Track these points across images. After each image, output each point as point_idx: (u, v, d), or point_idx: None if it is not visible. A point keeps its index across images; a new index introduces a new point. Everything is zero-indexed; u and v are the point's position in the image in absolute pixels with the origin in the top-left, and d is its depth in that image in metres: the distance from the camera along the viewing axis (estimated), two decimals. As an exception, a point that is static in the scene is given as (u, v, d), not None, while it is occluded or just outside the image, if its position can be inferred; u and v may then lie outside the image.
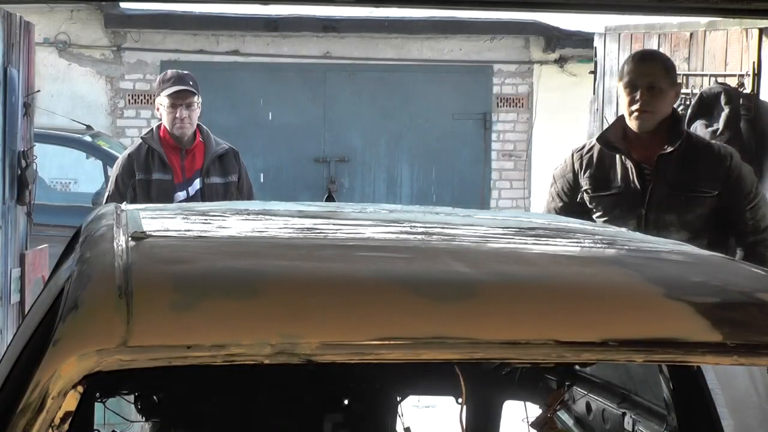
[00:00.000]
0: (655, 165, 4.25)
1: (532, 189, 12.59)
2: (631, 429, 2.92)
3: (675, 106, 4.51)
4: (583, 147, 4.51)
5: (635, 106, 4.26)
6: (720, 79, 6.53)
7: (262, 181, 11.05)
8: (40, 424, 1.55)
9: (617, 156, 4.31)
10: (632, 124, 4.29)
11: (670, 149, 4.24)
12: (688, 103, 6.51)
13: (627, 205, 4.27)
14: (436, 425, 5.01)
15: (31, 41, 7.21)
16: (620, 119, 4.42)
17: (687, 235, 4.09)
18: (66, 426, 1.54)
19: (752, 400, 2.81)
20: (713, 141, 4.52)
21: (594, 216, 4.34)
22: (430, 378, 3.08)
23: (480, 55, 12.52)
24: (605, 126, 7.00)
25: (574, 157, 4.44)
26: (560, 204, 4.42)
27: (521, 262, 2.16)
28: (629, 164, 4.27)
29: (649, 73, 4.27)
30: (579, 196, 4.39)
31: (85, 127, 10.49)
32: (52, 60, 11.75)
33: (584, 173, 4.37)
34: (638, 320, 1.78)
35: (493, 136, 12.62)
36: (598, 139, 4.43)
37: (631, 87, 4.27)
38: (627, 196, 4.28)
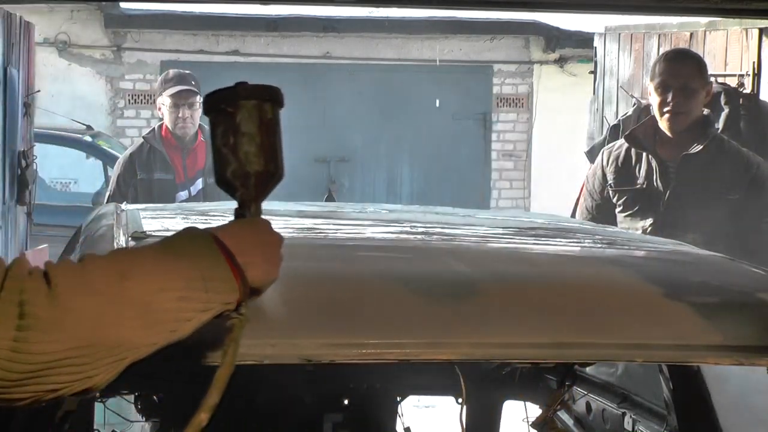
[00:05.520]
0: (679, 165, 4.22)
1: (532, 189, 12.59)
2: (631, 429, 2.92)
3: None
4: (614, 144, 4.52)
5: (668, 108, 4.20)
6: (720, 79, 6.53)
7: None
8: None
9: (644, 153, 4.29)
10: (664, 125, 4.25)
11: (696, 150, 4.20)
12: (688, 102, 6.50)
13: (647, 203, 4.25)
14: (436, 425, 5.01)
15: (31, 41, 7.21)
16: (652, 119, 4.39)
17: (703, 238, 4.05)
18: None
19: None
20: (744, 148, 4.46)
21: (617, 211, 4.33)
22: (430, 378, 3.08)
23: (480, 55, 12.52)
24: (605, 126, 7.02)
25: (604, 154, 4.45)
26: (591, 202, 4.43)
27: (521, 262, 2.16)
28: (654, 163, 4.25)
29: (683, 73, 4.21)
30: (606, 192, 4.38)
31: (85, 127, 10.49)
32: (52, 60, 11.75)
33: (610, 167, 4.37)
34: (638, 320, 1.78)
35: (493, 136, 12.62)
36: (626, 137, 4.41)
37: (663, 87, 4.20)
38: (648, 193, 4.27)
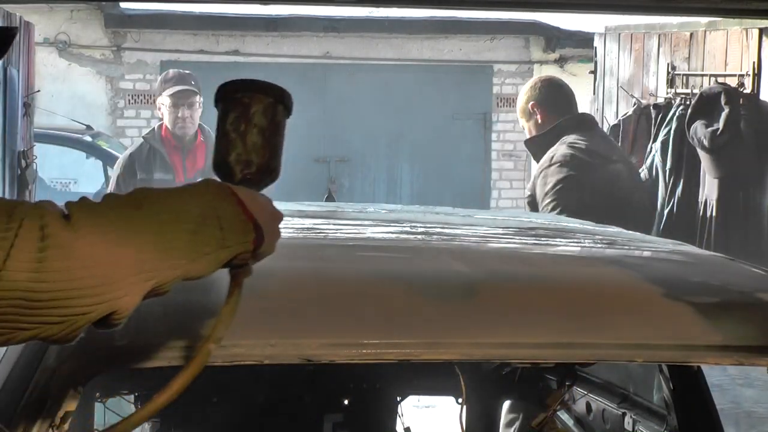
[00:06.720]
0: None
1: (532, 189, 12.59)
2: (631, 429, 2.92)
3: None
4: None
5: None
6: (720, 79, 6.53)
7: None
8: (40, 424, 1.55)
9: None
10: None
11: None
12: (688, 103, 6.51)
13: None
14: (436, 425, 5.01)
15: (31, 41, 7.21)
16: None
17: None
18: (66, 426, 1.54)
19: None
20: (571, 150, 4.74)
21: None
22: (430, 378, 3.08)
23: (480, 55, 12.52)
24: (605, 126, 7.03)
25: None
26: None
27: (521, 262, 2.16)
28: None
29: None
30: None
31: (85, 127, 10.49)
32: (52, 60, 11.75)
33: None
34: (638, 320, 1.78)
35: (493, 136, 12.62)
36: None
37: None
38: None
